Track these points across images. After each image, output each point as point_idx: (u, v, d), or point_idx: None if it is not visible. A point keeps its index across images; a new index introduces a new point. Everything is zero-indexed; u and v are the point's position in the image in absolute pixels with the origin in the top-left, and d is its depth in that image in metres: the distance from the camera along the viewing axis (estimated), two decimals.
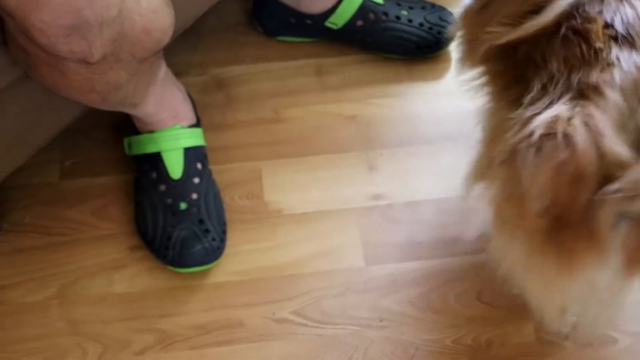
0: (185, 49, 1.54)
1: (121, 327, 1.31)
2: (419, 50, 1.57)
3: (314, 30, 1.58)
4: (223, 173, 1.45)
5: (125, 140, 1.41)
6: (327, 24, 1.55)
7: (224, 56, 1.60)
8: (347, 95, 1.55)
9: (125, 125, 1.42)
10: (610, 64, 0.93)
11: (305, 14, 1.56)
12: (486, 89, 1.13)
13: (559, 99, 0.94)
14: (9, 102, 1.16)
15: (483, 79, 1.13)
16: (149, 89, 1.26)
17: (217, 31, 1.62)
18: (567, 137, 0.89)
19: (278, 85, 1.57)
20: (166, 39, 1.12)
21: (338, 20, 1.54)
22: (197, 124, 1.41)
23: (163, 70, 1.30)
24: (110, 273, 1.36)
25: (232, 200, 1.43)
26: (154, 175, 1.36)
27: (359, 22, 1.55)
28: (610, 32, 0.95)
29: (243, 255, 1.38)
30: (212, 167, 1.43)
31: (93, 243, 1.39)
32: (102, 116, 1.43)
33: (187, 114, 1.39)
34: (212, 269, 1.36)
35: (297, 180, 1.46)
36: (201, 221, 1.34)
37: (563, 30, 0.98)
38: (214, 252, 1.34)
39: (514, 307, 1.28)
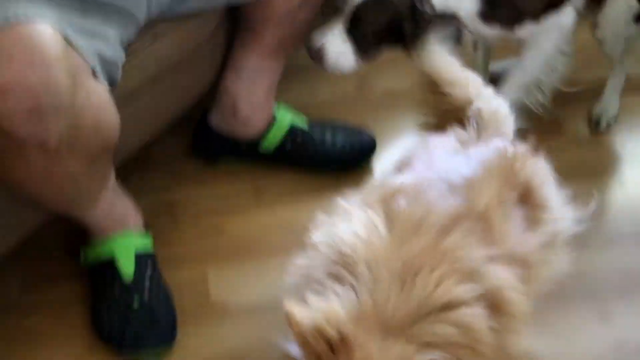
0: (132, 177, 1.67)
1: None
2: (344, 165, 1.77)
3: (249, 154, 1.76)
4: (172, 279, 1.56)
5: (82, 251, 1.53)
6: (261, 150, 1.74)
7: (169, 183, 1.76)
8: (282, 207, 1.72)
9: (79, 241, 1.55)
10: None
11: (240, 141, 1.75)
12: None
13: None
14: None
15: None
16: (101, 192, 1.41)
17: (160, 160, 1.80)
18: None
19: (219, 205, 1.73)
20: (114, 136, 1.27)
21: (269, 144, 1.74)
22: (146, 230, 1.55)
23: (113, 179, 1.45)
24: None
25: (182, 303, 1.53)
26: (108, 280, 1.48)
27: (289, 146, 1.75)
28: None
29: (192, 350, 1.48)
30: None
31: (52, 348, 1.47)
32: (57, 233, 1.58)
33: (136, 222, 1.53)
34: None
35: (240, 281, 1.60)
36: (153, 320, 1.46)
37: None
38: (166, 340, 1.46)
39: None
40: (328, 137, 1.77)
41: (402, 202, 1.13)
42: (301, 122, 1.77)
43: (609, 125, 1.88)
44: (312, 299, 1.00)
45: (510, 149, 1.25)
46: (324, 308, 0.97)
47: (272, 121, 1.74)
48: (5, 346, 1.47)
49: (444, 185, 1.16)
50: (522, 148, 1.27)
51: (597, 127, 1.88)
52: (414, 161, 1.27)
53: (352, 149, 1.77)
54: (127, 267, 1.48)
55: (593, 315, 1.52)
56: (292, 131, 1.75)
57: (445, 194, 1.14)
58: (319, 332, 0.93)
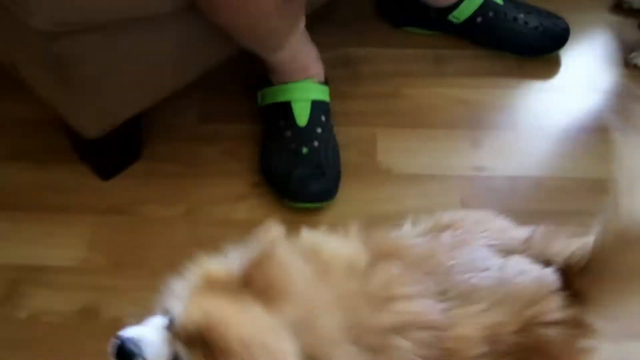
0: (319, 30, 1.69)
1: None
2: (532, 51, 1.71)
3: (436, 23, 1.73)
4: (342, 133, 1.59)
5: (259, 93, 1.57)
6: (450, 17, 1.71)
7: (353, 39, 1.77)
8: (461, 82, 1.70)
9: (256, 84, 1.59)
10: None
11: (432, 7, 1.71)
12: None
13: None
14: (172, 29, 1.33)
15: None
16: (288, 36, 1.43)
17: (348, 18, 1.80)
18: None
19: (399, 68, 1.73)
20: None
21: (460, 15, 1.70)
22: (326, 83, 1.56)
23: (302, 25, 1.47)
24: (232, 202, 1.50)
25: (348, 157, 1.56)
26: (282, 122, 1.52)
27: (479, 19, 1.70)
28: None
29: (354, 203, 1.51)
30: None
31: (220, 177, 1.54)
32: (237, 74, 1.64)
33: (318, 72, 1.55)
34: (324, 212, 1.49)
35: (408, 147, 1.60)
36: (319, 165, 1.48)
37: None
38: (328, 193, 1.48)
39: None
40: (521, 15, 1.71)
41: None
42: None
43: None
44: None
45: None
46: None
47: None
48: (178, 167, 1.56)
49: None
50: None
51: None
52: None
53: (544, 33, 1.70)
54: (302, 113, 1.51)
55: None
56: (486, 4, 1.70)
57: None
58: None
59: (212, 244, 1.41)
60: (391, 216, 1.45)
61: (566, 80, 1.73)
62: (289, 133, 1.51)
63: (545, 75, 1.72)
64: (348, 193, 1.52)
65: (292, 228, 1.43)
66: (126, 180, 1.53)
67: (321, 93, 1.53)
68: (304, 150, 1.49)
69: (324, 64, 1.61)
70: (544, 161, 1.60)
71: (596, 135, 1.59)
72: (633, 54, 1.72)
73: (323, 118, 1.52)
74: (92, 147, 1.46)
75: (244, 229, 1.43)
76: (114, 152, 1.51)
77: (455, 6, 1.70)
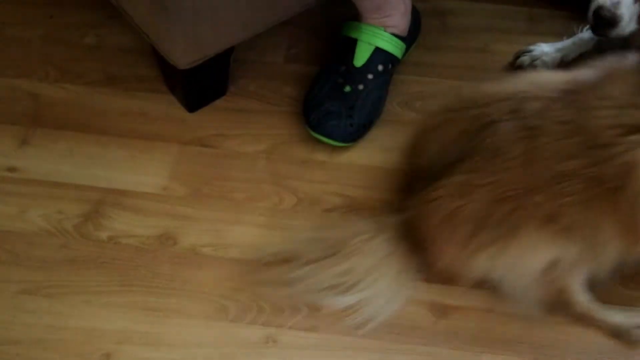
0: None
1: (316, 187, 1.46)
2: None
3: None
4: (428, 85, 1.60)
5: (344, 24, 1.58)
6: None
7: None
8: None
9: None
10: None
11: None
12: None
13: None
14: None
15: None
16: None
17: None
18: None
19: (490, 23, 1.71)
20: None
21: None
22: (404, 39, 1.56)
23: None
24: (314, 143, 1.52)
25: (432, 108, 1.55)
26: (343, 56, 1.54)
27: None
28: None
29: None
30: (419, 79, 1.61)
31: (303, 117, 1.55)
32: (329, 17, 1.65)
33: (399, 25, 1.54)
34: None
35: None
36: (352, 107, 1.50)
37: None
38: (346, 135, 1.50)
39: None
40: None
41: None
42: None
43: None
44: None
45: None
46: None
47: None
48: (262, 105, 1.59)
49: None
50: None
51: None
52: None
53: None
54: (362, 54, 1.52)
55: None
56: None
57: None
58: None
59: (290, 184, 1.45)
60: None
61: None
62: (343, 68, 1.52)
63: None
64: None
65: (369, 172, 1.46)
66: (211, 114, 1.56)
67: (390, 44, 1.53)
68: (347, 88, 1.50)
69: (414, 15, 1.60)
70: None
71: None
72: None
73: (380, 67, 1.52)
74: (181, 78, 1.49)
75: (323, 170, 1.48)
76: (201, 85, 1.53)
77: None
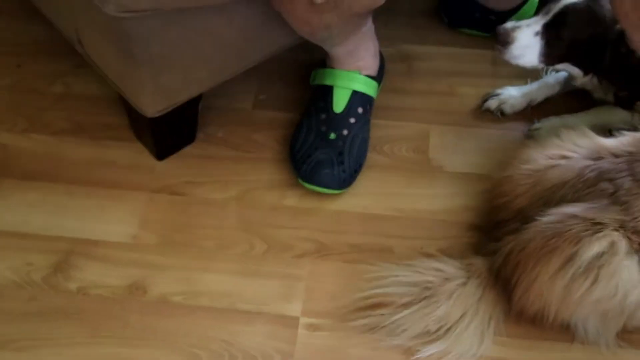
0: (379, 24, 1.71)
1: (286, 233, 1.47)
2: None
3: (495, 26, 1.72)
4: (395, 128, 1.61)
5: (313, 72, 1.60)
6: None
7: (410, 36, 1.79)
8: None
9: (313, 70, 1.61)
10: None
11: (491, 10, 1.71)
12: None
13: None
14: (237, 13, 1.36)
15: None
16: (349, 37, 1.45)
17: (407, 15, 1.82)
18: None
19: (455, 66, 1.73)
20: (380, 1, 1.32)
21: (520, 19, 1.69)
22: (375, 78, 1.57)
23: (367, 26, 1.49)
24: (283, 189, 1.53)
25: (400, 152, 1.58)
26: (321, 104, 1.55)
27: None
28: None
29: (403, 197, 1.52)
30: (386, 123, 1.62)
31: (272, 163, 1.57)
32: (297, 63, 1.66)
33: (372, 66, 1.56)
34: (372, 203, 1.50)
35: (460, 146, 1.59)
36: (341, 153, 1.50)
37: None
38: (341, 182, 1.50)
39: None
40: None
41: None
42: None
43: None
44: None
45: None
46: None
47: None
48: (231, 152, 1.59)
49: None
50: None
51: None
52: None
53: None
54: (340, 99, 1.53)
55: None
56: None
57: None
58: None
59: (260, 230, 1.45)
60: (437, 213, 1.49)
61: None
62: (323, 115, 1.53)
63: None
64: (398, 188, 1.54)
65: (339, 216, 1.46)
66: (180, 161, 1.56)
67: (366, 86, 1.55)
68: (332, 135, 1.51)
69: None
70: None
71: None
72: None
73: (360, 110, 1.54)
74: (149, 126, 1.49)
75: (293, 216, 1.48)
76: (170, 133, 1.53)
77: (515, 10, 1.69)
